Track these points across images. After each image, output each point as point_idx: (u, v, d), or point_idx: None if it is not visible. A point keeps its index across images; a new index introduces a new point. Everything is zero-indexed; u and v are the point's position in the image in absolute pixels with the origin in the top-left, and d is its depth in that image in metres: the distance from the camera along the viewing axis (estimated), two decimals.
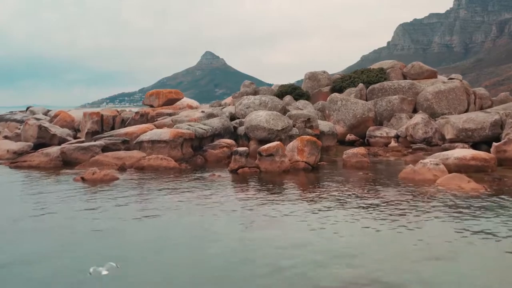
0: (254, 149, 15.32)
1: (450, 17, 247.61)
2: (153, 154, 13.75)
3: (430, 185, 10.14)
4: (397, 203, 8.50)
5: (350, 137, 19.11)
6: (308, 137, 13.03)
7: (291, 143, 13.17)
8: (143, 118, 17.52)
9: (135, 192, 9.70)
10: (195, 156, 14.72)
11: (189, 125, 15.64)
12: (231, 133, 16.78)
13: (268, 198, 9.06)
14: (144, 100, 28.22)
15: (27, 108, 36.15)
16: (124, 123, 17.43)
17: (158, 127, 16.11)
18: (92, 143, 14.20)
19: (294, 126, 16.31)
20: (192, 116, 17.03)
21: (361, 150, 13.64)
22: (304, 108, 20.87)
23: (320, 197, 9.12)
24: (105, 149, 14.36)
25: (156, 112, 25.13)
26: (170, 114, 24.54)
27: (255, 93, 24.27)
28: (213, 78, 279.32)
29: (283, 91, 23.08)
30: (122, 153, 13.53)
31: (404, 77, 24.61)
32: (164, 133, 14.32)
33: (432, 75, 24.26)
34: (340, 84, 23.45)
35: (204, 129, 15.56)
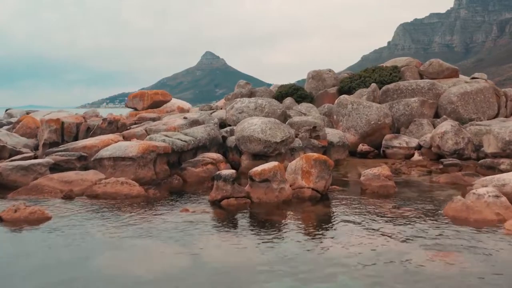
0: (247, 166, 12.12)
1: (450, 17, 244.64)
2: (116, 175, 10.49)
3: (497, 232, 6.86)
4: (464, 273, 5.22)
5: (363, 147, 15.84)
6: (316, 155, 9.70)
7: (293, 162, 9.86)
8: (112, 126, 14.17)
9: (58, 250, 6.42)
10: (171, 176, 11.45)
11: (166, 136, 12.36)
12: (219, 145, 13.51)
13: (258, 265, 5.76)
14: (127, 102, 24.97)
15: (6, 110, 32.96)
16: (90, 132, 14.14)
17: (127, 138, 12.81)
18: (36, 160, 10.88)
19: (296, 136, 13.05)
20: (172, 124, 13.71)
21: (384, 170, 10.34)
22: (308, 112, 17.62)
23: (341, 257, 5.83)
24: (56, 167, 11.09)
25: (138, 117, 21.91)
26: (154, 119, 21.34)
27: (251, 94, 21.01)
28: (213, 78, 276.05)
29: (283, 93, 19.80)
30: (72, 175, 10.22)
31: (421, 76, 21.39)
32: (131, 147, 11.01)
33: (453, 74, 21.02)
34: (349, 84, 20.15)
35: (185, 141, 12.28)
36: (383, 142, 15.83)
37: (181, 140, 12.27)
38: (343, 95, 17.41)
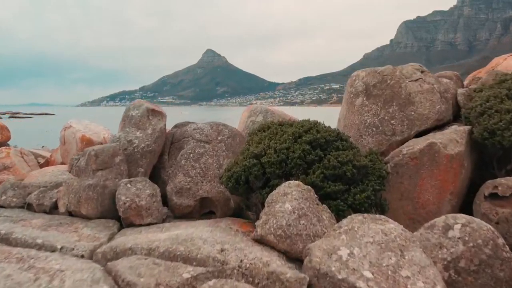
0: None
1: (454, 15, 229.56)
2: None
3: None
4: None
5: None
6: None
7: None
8: None
9: None
10: None
11: None
12: None
13: None
14: None
15: None
16: None
17: None
18: None
19: None
20: None
21: None
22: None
23: None
24: None
25: None
26: None
27: (183, 139, 6.20)
28: (215, 76, 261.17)
29: (275, 161, 4.80)
30: None
31: None
32: None
33: None
34: None
35: None
36: None
37: None
38: None
